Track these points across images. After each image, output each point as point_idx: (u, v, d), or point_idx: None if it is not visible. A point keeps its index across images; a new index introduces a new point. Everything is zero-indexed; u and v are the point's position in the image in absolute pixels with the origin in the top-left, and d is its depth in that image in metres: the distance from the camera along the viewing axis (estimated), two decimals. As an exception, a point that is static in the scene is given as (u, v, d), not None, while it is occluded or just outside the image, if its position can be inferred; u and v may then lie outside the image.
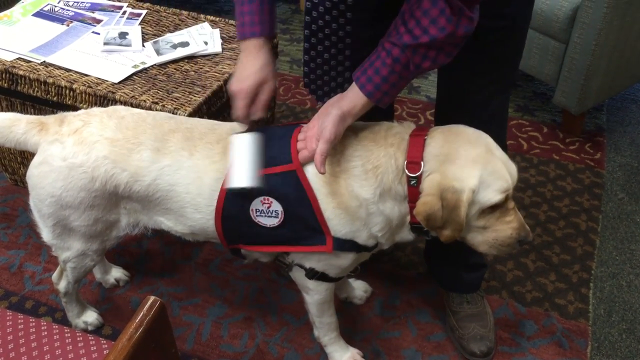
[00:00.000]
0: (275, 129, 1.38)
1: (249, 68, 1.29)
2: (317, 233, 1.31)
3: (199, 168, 1.32)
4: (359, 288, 1.84)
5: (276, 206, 1.29)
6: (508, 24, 1.33)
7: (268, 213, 1.30)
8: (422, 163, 1.22)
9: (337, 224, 1.30)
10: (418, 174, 1.22)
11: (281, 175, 1.28)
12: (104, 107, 1.70)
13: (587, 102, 2.29)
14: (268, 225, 1.32)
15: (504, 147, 1.46)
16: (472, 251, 1.70)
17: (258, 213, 1.31)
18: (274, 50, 1.30)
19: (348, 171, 1.27)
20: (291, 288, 1.75)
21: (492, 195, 1.21)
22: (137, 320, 0.87)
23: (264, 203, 1.29)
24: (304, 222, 1.30)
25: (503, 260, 1.93)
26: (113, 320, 1.79)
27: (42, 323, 1.18)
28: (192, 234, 1.42)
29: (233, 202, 1.32)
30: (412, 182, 1.23)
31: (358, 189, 1.27)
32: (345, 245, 1.33)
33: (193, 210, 1.36)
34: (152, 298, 0.90)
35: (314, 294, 1.50)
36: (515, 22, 1.35)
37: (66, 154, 1.33)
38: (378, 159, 1.26)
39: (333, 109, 1.23)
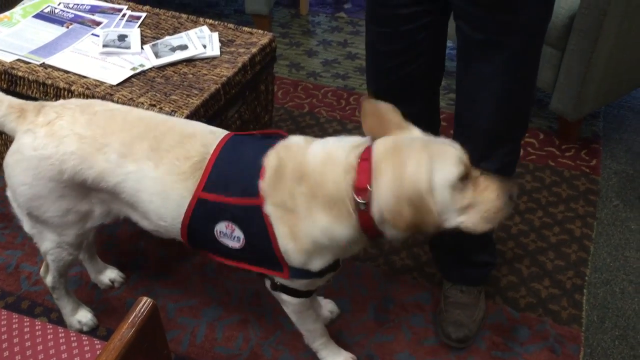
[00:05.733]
0: (249, 146, 1.35)
1: None
2: (274, 262, 1.33)
3: (164, 182, 1.32)
4: (325, 307, 1.80)
5: (238, 233, 1.31)
6: (521, 20, 1.32)
7: (231, 237, 1.32)
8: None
9: (293, 258, 1.31)
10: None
11: (246, 208, 1.28)
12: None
13: (584, 109, 2.30)
14: (230, 246, 1.34)
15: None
16: (480, 248, 1.73)
17: (222, 235, 1.32)
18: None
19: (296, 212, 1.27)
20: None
21: (449, 170, 1.18)
22: (129, 321, 0.88)
23: (228, 227, 1.31)
24: (263, 252, 1.31)
25: (497, 265, 1.94)
26: (108, 322, 1.80)
27: (37, 323, 1.19)
28: (158, 232, 1.43)
29: (199, 221, 1.33)
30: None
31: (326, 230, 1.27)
32: (300, 274, 1.34)
33: (157, 218, 1.37)
34: (144, 299, 0.91)
35: (289, 304, 1.50)
36: (531, 19, 1.33)
37: (37, 145, 1.35)
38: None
39: None
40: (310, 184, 1.24)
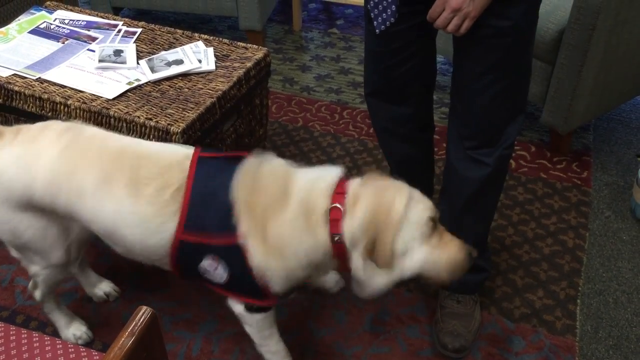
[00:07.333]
0: (219, 177, 1.34)
1: None
2: (259, 293, 1.38)
3: (147, 215, 1.33)
4: (331, 278, 1.87)
5: (222, 269, 1.34)
6: (511, 24, 1.37)
7: (214, 274, 1.36)
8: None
9: (278, 288, 1.36)
10: None
11: (225, 248, 1.31)
12: (98, 123, 1.74)
13: (574, 122, 2.33)
14: (215, 282, 1.37)
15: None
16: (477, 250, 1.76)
17: (206, 272, 1.36)
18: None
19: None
20: (281, 304, 1.76)
21: (424, 209, 1.30)
22: (129, 330, 0.88)
23: (212, 264, 1.34)
24: (248, 286, 1.35)
25: (491, 276, 1.95)
26: (104, 335, 1.79)
27: (34, 335, 1.19)
28: (132, 257, 1.44)
29: (185, 258, 1.35)
30: None
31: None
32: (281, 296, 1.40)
33: (141, 249, 1.38)
34: (144, 308, 0.91)
35: (253, 323, 1.51)
36: (519, 23, 1.39)
37: (3, 170, 1.36)
38: None
39: None
40: (291, 211, 1.29)
